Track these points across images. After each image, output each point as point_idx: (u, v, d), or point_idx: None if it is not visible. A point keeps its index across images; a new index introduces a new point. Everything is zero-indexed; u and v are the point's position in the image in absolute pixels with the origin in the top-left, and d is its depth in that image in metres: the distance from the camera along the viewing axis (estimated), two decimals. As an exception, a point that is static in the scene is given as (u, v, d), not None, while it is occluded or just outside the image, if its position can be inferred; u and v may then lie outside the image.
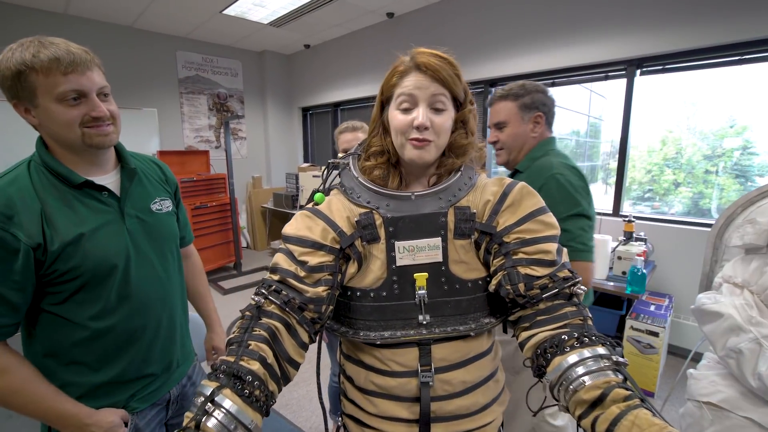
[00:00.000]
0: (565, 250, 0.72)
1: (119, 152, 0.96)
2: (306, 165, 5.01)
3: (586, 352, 0.60)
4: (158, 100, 4.74)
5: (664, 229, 2.72)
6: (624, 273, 2.37)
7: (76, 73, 0.79)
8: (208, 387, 0.58)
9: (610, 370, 0.58)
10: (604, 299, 2.56)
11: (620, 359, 0.59)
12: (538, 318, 0.68)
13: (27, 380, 0.79)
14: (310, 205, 0.79)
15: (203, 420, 0.55)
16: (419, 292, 0.72)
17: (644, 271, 2.21)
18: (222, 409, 0.56)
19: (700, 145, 3.23)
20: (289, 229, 0.74)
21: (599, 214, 3.02)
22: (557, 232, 0.72)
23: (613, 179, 3.08)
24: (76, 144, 0.82)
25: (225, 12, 4.04)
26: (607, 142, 7.36)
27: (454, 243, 0.73)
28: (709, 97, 3.10)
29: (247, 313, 0.69)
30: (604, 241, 2.39)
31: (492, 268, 0.73)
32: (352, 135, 1.71)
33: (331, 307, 0.72)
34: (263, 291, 0.70)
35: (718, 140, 3.04)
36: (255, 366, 0.62)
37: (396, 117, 0.73)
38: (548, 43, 3.07)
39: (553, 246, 0.70)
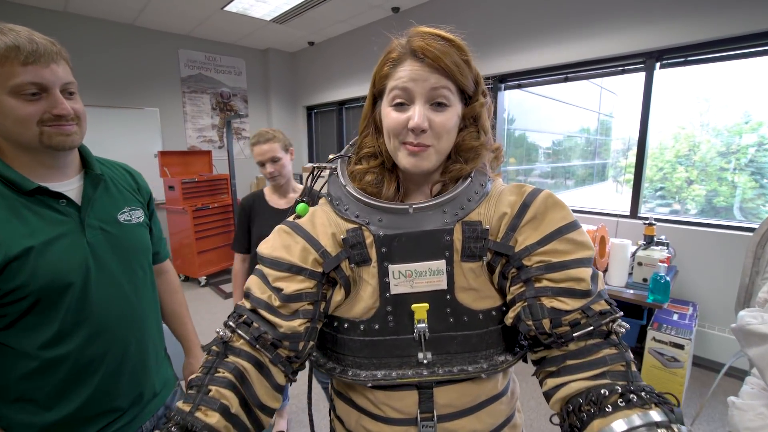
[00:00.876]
0: (600, 275, 0.58)
1: (84, 156, 0.86)
2: (311, 165, 4.90)
3: (636, 419, 0.46)
4: (160, 100, 4.66)
5: (685, 231, 2.55)
6: (645, 280, 2.22)
7: (37, 64, 0.69)
8: None
9: None
10: (622, 307, 2.39)
11: (682, 428, 0.45)
12: (569, 362, 0.55)
13: None
14: (291, 218, 0.66)
15: None
16: (419, 325, 0.59)
17: (668, 278, 2.06)
18: None
19: (714, 141, 3.13)
20: (264, 247, 0.61)
21: (614, 215, 2.86)
22: (591, 253, 0.57)
23: (623, 177, 2.94)
24: (31, 144, 0.72)
25: (226, 8, 3.94)
26: (617, 140, 7.17)
27: (462, 266, 0.60)
28: (723, 92, 2.99)
29: (214, 348, 0.57)
30: (623, 246, 2.24)
31: (509, 297, 0.59)
32: (268, 146, 1.59)
33: (311, 343, 0.59)
34: (231, 323, 0.57)
35: (732, 136, 2.93)
36: (213, 419, 0.50)
37: (388, 115, 0.59)
38: (561, 36, 2.91)
39: (587, 272, 0.55)
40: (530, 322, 0.55)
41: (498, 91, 3.42)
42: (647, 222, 2.42)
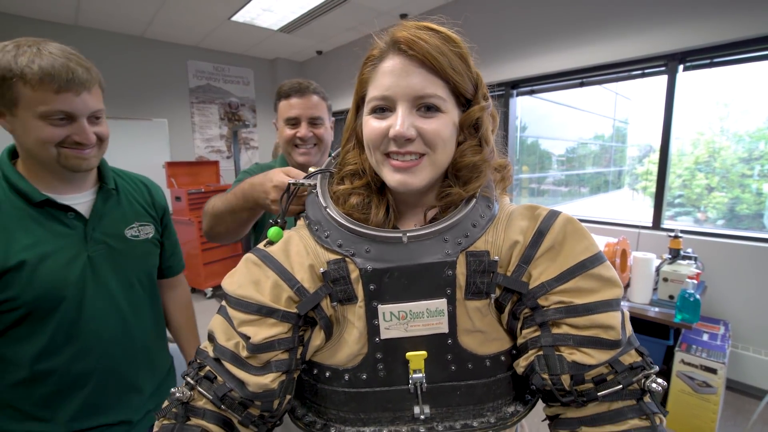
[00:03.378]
0: (627, 315, 0.48)
1: (100, 169, 0.87)
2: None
3: None
4: (169, 110, 4.67)
5: (712, 244, 2.38)
6: (671, 297, 2.06)
7: (70, 92, 0.71)
8: None
9: None
10: (648, 326, 2.23)
11: None
12: (585, 429, 0.45)
13: None
14: (261, 245, 0.55)
15: None
16: (415, 375, 0.49)
17: (697, 296, 1.90)
18: None
19: (735, 147, 3.03)
20: (228, 282, 0.51)
21: (635, 226, 2.70)
22: (620, 293, 0.46)
23: (639, 185, 2.81)
24: (49, 163, 0.75)
25: (233, 19, 3.94)
26: (633, 146, 6.98)
27: (466, 305, 0.50)
28: (743, 96, 2.86)
29: (173, 410, 0.47)
30: (647, 260, 2.08)
31: (520, 340, 0.49)
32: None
33: (288, 397, 0.49)
34: (189, 380, 0.48)
35: (755, 142, 2.82)
36: None
37: (368, 124, 0.50)
38: (576, 39, 2.79)
39: (616, 317, 0.45)
40: (546, 376, 0.45)
41: (510, 97, 3.30)
42: (672, 234, 2.26)
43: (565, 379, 0.44)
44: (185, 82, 4.81)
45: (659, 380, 0.44)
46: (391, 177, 0.49)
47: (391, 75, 0.47)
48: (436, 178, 0.52)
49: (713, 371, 1.87)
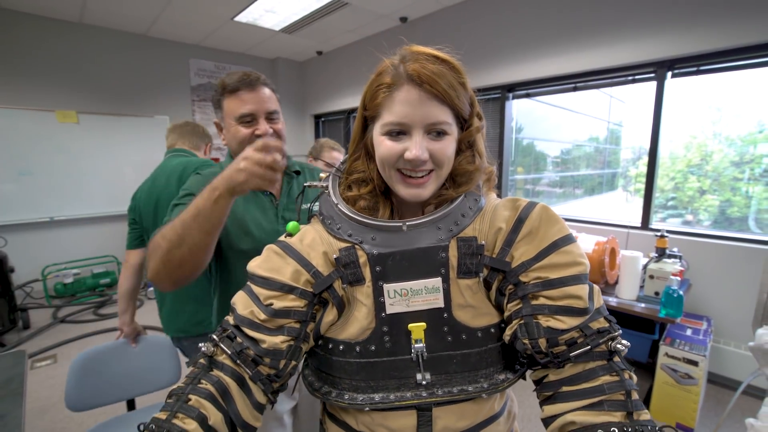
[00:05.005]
0: (597, 289, 0.56)
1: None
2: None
3: None
4: (170, 108, 4.72)
5: (698, 244, 2.49)
6: (657, 294, 2.15)
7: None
8: None
9: None
10: (634, 321, 2.33)
11: None
12: (564, 389, 0.53)
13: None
14: (282, 237, 0.65)
15: None
16: (416, 345, 0.57)
17: (680, 292, 2.00)
18: None
19: (727, 151, 3.09)
20: (255, 266, 0.60)
21: (625, 227, 2.80)
22: (586, 268, 0.56)
23: (633, 187, 2.90)
24: None
25: (236, 19, 4.00)
26: (627, 149, 7.09)
27: (459, 283, 0.58)
28: (736, 101, 2.94)
29: (200, 361, 0.56)
30: (634, 258, 2.18)
31: (506, 313, 0.58)
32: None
33: (293, 363, 0.58)
34: (214, 337, 0.56)
35: (746, 146, 2.88)
36: (191, 426, 0.49)
37: (382, 144, 0.58)
38: (570, 45, 2.89)
39: (584, 288, 0.54)
40: (526, 341, 0.54)
41: (506, 100, 3.40)
42: (659, 234, 2.36)
43: (542, 343, 0.52)
44: (187, 80, 4.87)
45: (624, 341, 0.52)
46: (405, 191, 0.58)
47: (407, 105, 0.55)
48: (439, 186, 0.61)
49: (695, 363, 1.97)
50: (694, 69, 2.46)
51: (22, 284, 3.73)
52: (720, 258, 2.40)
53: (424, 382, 0.58)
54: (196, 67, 4.92)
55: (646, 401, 2.19)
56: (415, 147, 0.55)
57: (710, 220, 3.11)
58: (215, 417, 0.51)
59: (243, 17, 3.97)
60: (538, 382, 0.58)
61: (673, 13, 2.41)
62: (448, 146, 0.57)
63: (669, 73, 2.53)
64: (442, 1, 3.56)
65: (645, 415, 0.49)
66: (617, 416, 0.49)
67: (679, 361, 2.01)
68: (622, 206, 6.15)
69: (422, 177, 0.57)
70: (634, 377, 0.53)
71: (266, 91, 1.03)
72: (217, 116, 1.09)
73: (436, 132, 0.56)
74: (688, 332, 2.18)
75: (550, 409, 0.54)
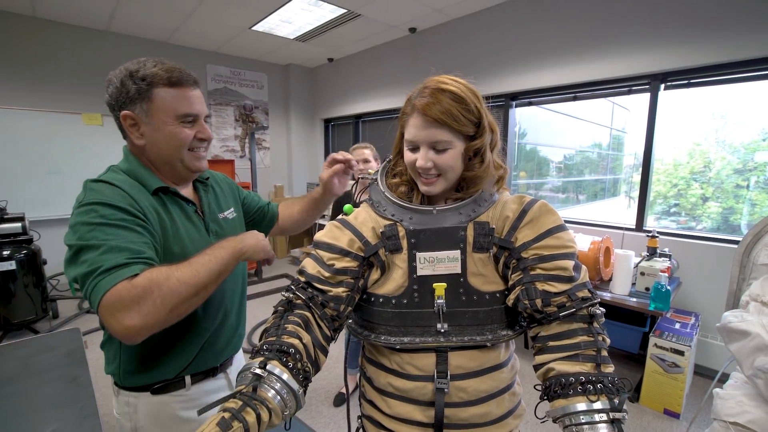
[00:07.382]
0: (584, 268, 0.74)
1: None
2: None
3: (581, 406, 0.63)
4: (188, 112, 4.93)
5: (690, 245, 2.66)
6: (647, 289, 2.33)
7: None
8: (255, 362, 0.65)
9: (604, 427, 0.61)
10: (627, 315, 2.51)
11: (617, 416, 0.61)
12: (551, 343, 0.71)
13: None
14: (340, 216, 0.85)
15: (258, 386, 0.62)
16: (438, 301, 0.75)
17: (668, 287, 2.17)
18: (273, 377, 0.63)
19: (730, 158, 3.13)
20: (319, 236, 0.80)
21: (621, 228, 2.97)
22: (574, 249, 0.74)
23: (636, 193, 3.02)
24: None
25: (254, 28, 4.22)
26: (630, 155, 7.20)
27: (473, 256, 0.76)
28: (740, 109, 3.00)
29: (280, 307, 0.76)
30: (627, 256, 2.36)
31: (510, 283, 0.76)
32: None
33: (349, 308, 0.77)
34: (293, 287, 0.76)
35: (749, 154, 2.95)
36: (295, 341, 0.68)
37: (405, 153, 0.79)
38: (570, 57, 3.08)
39: (570, 263, 0.71)
40: (527, 301, 0.71)
41: (509, 108, 3.59)
42: (650, 234, 2.54)
43: (538, 303, 0.70)
44: (204, 85, 5.08)
45: (601, 308, 0.70)
46: (421, 187, 0.78)
47: (416, 128, 0.74)
48: (449, 186, 0.79)
49: (681, 353, 2.14)
50: (686, 82, 2.64)
51: (50, 276, 3.94)
52: (710, 259, 2.57)
53: (442, 330, 0.76)
54: (212, 73, 5.14)
55: (637, 389, 2.36)
56: (421, 159, 0.74)
57: (713, 227, 3.13)
58: (306, 338, 0.71)
59: (260, 26, 4.18)
60: (534, 339, 0.76)
61: (665, 29, 2.60)
62: (449, 158, 0.74)
63: (662, 86, 2.72)
64: (450, 13, 3.76)
65: (609, 368, 0.67)
66: (587, 367, 0.66)
67: (667, 351, 2.18)
68: (623, 212, 6.27)
69: (431, 179, 0.76)
70: (607, 339, 0.70)
71: (199, 91, 0.93)
72: (128, 108, 0.86)
73: (438, 149, 0.74)
74: (677, 326, 2.35)
75: (539, 359, 0.72)
